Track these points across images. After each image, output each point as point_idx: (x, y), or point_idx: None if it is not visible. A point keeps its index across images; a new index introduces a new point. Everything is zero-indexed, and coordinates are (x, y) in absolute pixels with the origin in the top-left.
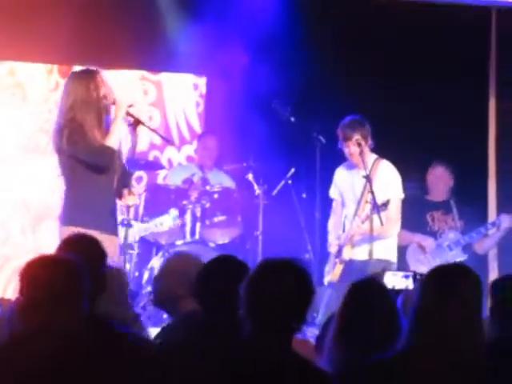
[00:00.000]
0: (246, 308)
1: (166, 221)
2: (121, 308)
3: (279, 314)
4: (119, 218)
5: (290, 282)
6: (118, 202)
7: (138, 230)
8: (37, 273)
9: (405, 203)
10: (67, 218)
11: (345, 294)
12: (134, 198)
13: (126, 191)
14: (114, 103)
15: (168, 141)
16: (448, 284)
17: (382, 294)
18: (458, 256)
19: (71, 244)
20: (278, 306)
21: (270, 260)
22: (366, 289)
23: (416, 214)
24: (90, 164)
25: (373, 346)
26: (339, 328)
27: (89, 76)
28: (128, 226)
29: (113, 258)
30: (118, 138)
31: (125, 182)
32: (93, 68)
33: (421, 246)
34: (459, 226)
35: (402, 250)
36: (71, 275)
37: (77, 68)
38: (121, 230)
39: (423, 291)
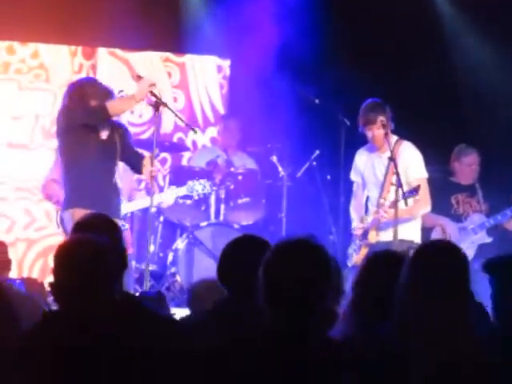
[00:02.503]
0: (266, 291)
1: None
2: None
3: (300, 295)
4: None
5: (306, 261)
6: (141, 177)
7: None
8: (70, 255)
9: (429, 186)
10: (68, 202)
11: (362, 264)
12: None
13: (146, 159)
14: (138, 79)
15: (189, 126)
16: (435, 261)
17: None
18: (482, 239)
19: (88, 225)
20: (298, 287)
21: (284, 241)
22: (383, 258)
23: (440, 196)
24: (82, 124)
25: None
26: (356, 294)
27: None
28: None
29: None
30: (120, 108)
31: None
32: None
33: (445, 230)
34: (484, 209)
35: (426, 233)
36: (102, 257)
37: (101, 50)
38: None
39: (410, 269)
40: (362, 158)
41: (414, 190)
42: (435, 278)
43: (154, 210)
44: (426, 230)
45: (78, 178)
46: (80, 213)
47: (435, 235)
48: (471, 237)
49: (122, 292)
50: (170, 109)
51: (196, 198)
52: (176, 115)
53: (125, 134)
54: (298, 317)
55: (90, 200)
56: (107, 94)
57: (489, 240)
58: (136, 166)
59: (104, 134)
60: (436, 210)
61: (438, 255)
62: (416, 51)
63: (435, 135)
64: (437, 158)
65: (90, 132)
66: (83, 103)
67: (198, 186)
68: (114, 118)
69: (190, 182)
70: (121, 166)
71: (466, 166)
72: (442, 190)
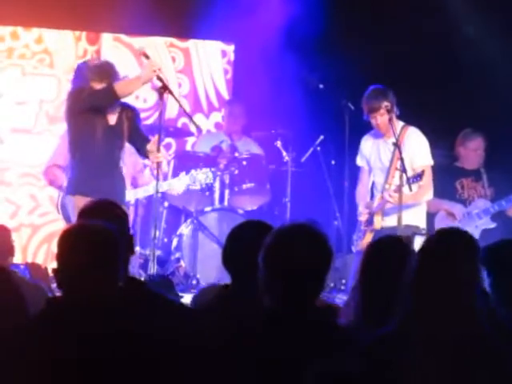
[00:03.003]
0: (266, 276)
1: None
2: None
3: (299, 281)
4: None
5: (305, 246)
6: (146, 162)
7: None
8: (76, 240)
9: (434, 170)
10: (70, 187)
11: (366, 249)
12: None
13: (152, 146)
14: (143, 56)
15: (190, 117)
16: (444, 248)
17: (403, 250)
18: (486, 224)
19: (94, 211)
20: (298, 272)
21: (285, 226)
22: (387, 244)
23: (445, 181)
24: (90, 107)
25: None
26: (360, 282)
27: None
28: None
29: None
30: (126, 90)
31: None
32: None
33: (450, 213)
34: (489, 194)
35: (430, 217)
36: (109, 243)
37: (105, 35)
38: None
39: (421, 257)
40: (367, 144)
41: (418, 176)
42: (448, 267)
43: (159, 195)
44: (430, 215)
45: (81, 163)
46: (81, 199)
47: (439, 220)
48: (475, 221)
49: (128, 277)
50: (174, 97)
51: (198, 187)
52: (180, 104)
53: (134, 117)
54: (297, 301)
55: (92, 187)
56: (113, 74)
57: (493, 225)
58: (142, 150)
59: (112, 119)
60: (441, 194)
61: (453, 243)
62: (420, 34)
63: (440, 120)
64: (441, 143)
65: (97, 116)
66: (90, 85)
67: (201, 176)
68: (124, 101)
69: (192, 172)
70: (126, 150)
71: (471, 150)
72: (447, 175)
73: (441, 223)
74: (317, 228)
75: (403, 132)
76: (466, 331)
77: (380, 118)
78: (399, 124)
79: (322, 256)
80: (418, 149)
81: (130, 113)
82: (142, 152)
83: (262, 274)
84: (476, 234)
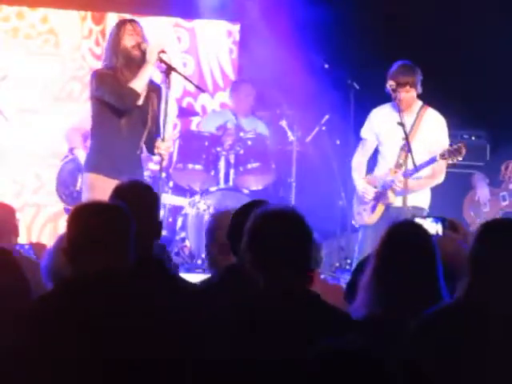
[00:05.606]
0: (252, 260)
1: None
2: None
3: (284, 261)
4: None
5: (284, 228)
6: (153, 157)
7: None
8: (88, 217)
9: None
10: (89, 164)
11: (384, 233)
12: (166, 145)
13: (159, 140)
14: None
15: (200, 89)
16: (502, 236)
17: (424, 236)
18: (509, 207)
19: (124, 191)
20: (282, 253)
21: (267, 209)
22: (406, 229)
23: (492, 161)
24: (112, 106)
25: (411, 289)
26: (375, 267)
27: (122, 25)
28: None
29: None
30: (144, 82)
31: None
32: (129, 18)
33: (475, 195)
34: None
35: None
36: (120, 221)
37: (110, 15)
38: None
39: (479, 244)
40: (381, 114)
41: (432, 160)
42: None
43: (164, 175)
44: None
45: (104, 143)
46: (98, 178)
47: (467, 198)
48: (500, 203)
49: (150, 257)
50: (179, 73)
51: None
52: (186, 79)
53: (158, 104)
54: (285, 279)
55: (112, 168)
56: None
57: None
58: (149, 145)
59: (140, 100)
60: (486, 173)
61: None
62: (428, 12)
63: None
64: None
65: None
66: (114, 83)
67: (202, 205)
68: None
69: (196, 197)
70: None
71: None
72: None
73: (467, 202)
74: (293, 209)
75: (421, 112)
76: None
77: (404, 94)
78: (418, 103)
79: (302, 237)
80: (438, 134)
81: (156, 97)
82: (149, 148)
83: (248, 259)
84: (497, 215)
